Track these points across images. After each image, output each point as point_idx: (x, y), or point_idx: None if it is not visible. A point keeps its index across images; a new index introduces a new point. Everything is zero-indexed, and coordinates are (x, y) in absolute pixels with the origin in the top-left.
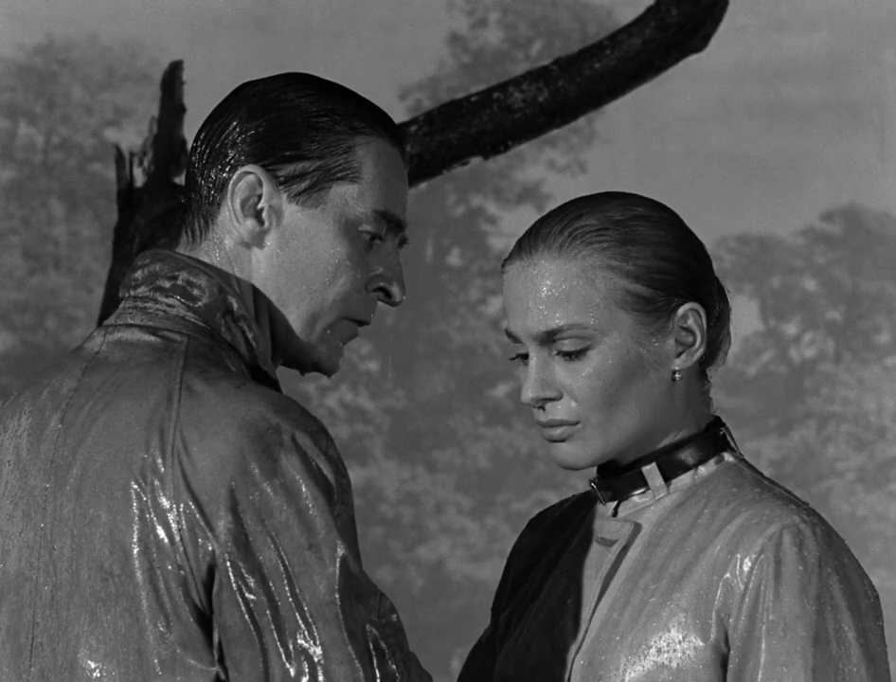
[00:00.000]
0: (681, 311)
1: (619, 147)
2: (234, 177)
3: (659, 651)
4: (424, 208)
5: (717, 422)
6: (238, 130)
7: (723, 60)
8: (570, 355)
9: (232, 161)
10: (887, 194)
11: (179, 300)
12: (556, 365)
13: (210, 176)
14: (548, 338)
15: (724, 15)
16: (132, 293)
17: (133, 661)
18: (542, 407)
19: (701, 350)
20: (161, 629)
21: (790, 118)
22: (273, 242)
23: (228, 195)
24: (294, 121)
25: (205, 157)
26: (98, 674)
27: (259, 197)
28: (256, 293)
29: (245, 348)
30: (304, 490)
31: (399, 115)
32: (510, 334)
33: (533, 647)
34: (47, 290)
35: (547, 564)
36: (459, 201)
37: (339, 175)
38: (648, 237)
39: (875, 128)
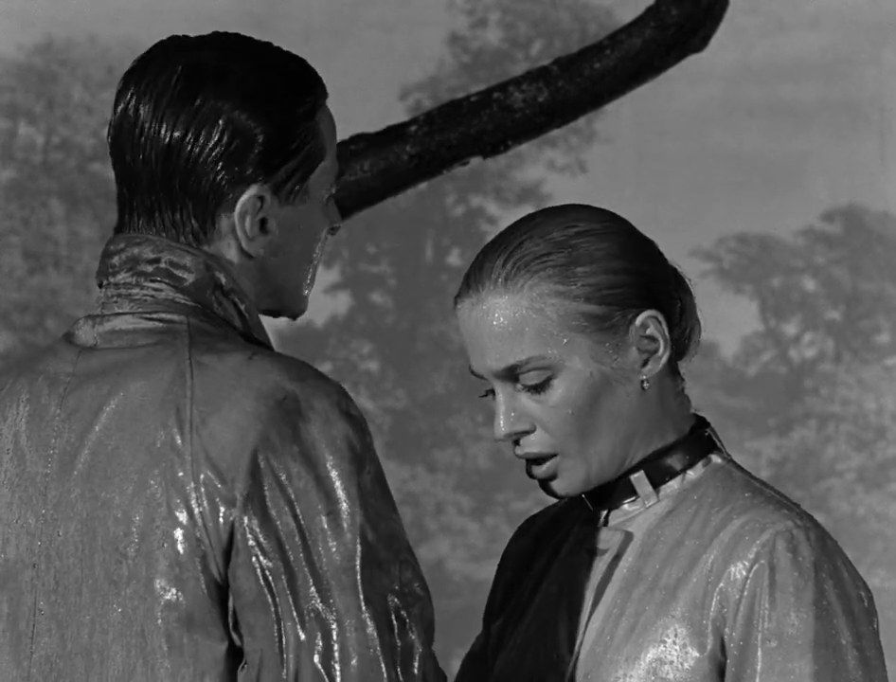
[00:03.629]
0: (639, 321)
1: (619, 147)
2: (242, 199)
3: (656, 662)
4: (424, 208)
5: (701, 423)
6: (221, 144)
7: (723, 60)
8: (535, 388)
9: (228, 181)
10: (886, 194)
11: (166, 283)
12: (523, 398)
13: (200, 182)
14: (510, 374)
15: (724, 15)
16: (111, 280)
17: (136, 643)
18: (517, 442)
19: (666, 355)
20: (169, 608)
21: (790, 119)
22: (273, 246)
23: (236, 215)
24: (277, 126)
25: (185, 166)
26: (111, 655)
27: (261, 210)
28: (246, 277)
29: (239, 320)
30: (324, 456)
31: (399, 114)
32: (473, 373)
33: (527, 658)
34: (47, 290)
35: (539, 572)
36: (459, 201)
37: (315, 161)
38: (593, 253)
39: (875, 128)
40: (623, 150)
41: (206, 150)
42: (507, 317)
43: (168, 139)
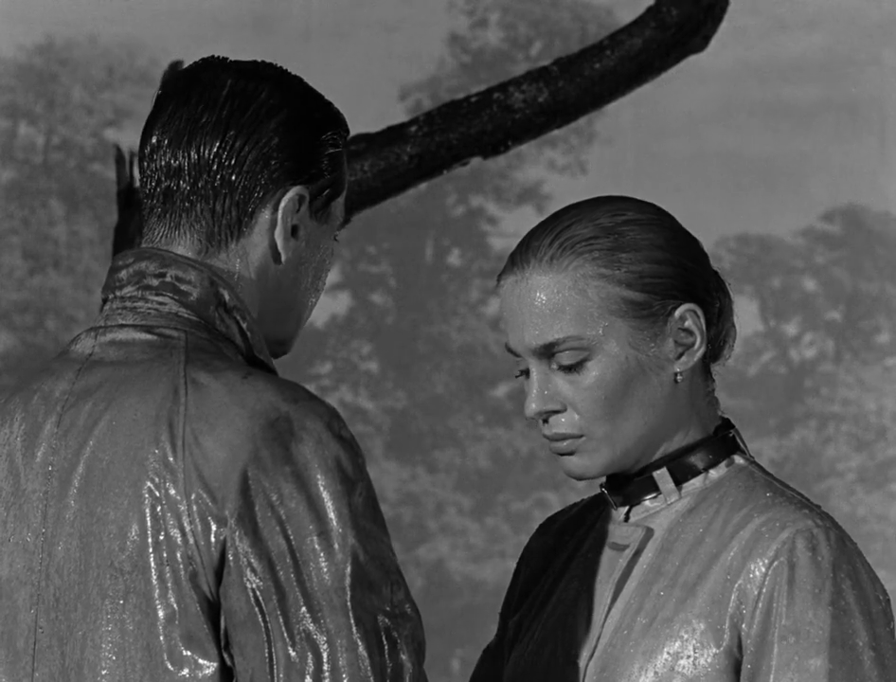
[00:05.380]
0: (678, 313)
1: (620, 147)
2: (289, 194)
3: (673, 657)
4: (424, 209)
5: (726, 425)
6: (273, 143)
7: (723, 60)
8: (570, 368)
9: (271, 178)
10: (886, 194)
11: (170, 297)
12: (557, 377)
13: (246, 175)
14: (546, 352)
15: (724, 16)
16: (117, 293)
17: (141, 658)
18: (546, 420)
19: (702, 350)
20: (169, 624)
21: (790, 119)
22: (296, 256)
23: (279, 214)
24: (317, 141)
25: (230, 160)
26: (106, 672)
27: (297, 214)
28: (257, 289)
29: (241, 338)
30: (316, 477)
31: (399, 115)
32: (510, 350)
33: (545, 652)
34: (47, 290)
35: (559, 568)
36: (459, 201)
37: (340, 188)
38: (638, 241)
39: (875, 128)
40: (623, 150)
41: (258, 146)
42: (549, 295)
43: (221, 135)
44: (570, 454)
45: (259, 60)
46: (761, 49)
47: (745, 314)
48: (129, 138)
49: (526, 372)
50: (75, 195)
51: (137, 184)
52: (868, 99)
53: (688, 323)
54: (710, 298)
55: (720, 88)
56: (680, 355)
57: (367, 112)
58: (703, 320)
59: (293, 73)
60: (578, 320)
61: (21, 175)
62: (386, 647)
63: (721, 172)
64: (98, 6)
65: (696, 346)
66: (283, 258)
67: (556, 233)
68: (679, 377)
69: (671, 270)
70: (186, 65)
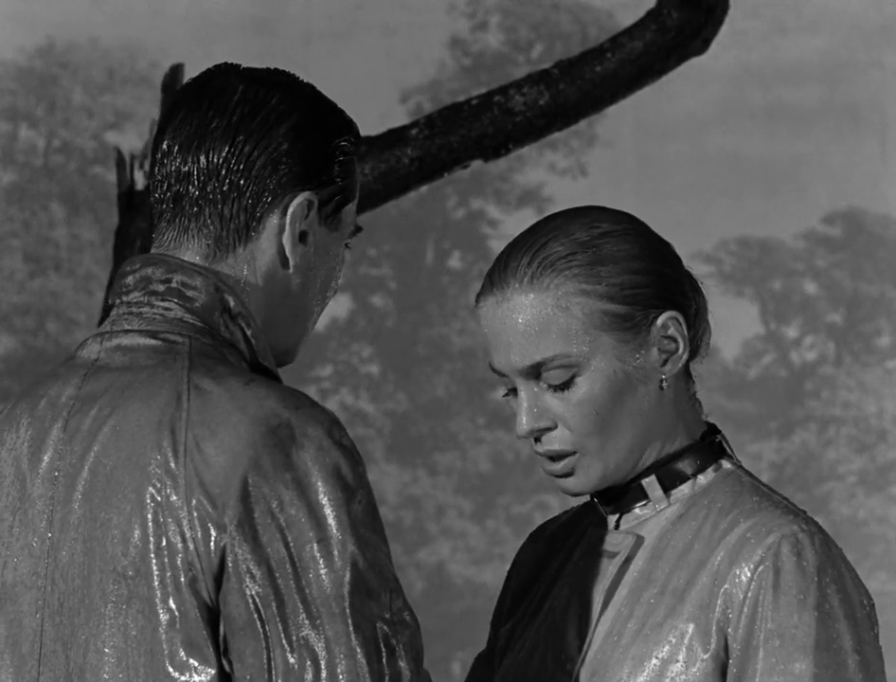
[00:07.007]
0: (660, 321)
1: (620, 150)
2: (297, 200)
3: (662, 662)
4: (425, 212)
5: (713, 430)
6: (282, 149)
7: (724, 63)
8: (558, 385)
9: (280, 183)
10: (888, 197)
11: (176, 303)
12: (545, 395)
13: (255, 179)
14: (534, 371)
15: (724, 18)
16: (124, 299)
17: (144, 663)
18: (538, 439)
19: (685, 356)
20: (171, 629)
21: (791, 121)
22: (304, 262)
23: (287, 220)
24: (327, 148)
25: (239, 165)
26: (108, 677)
27: (305, 220)
28: (263, 295)
29: (245, 345)
30: (316, 484)
31: (399, 118)
32: (494, 370)
33: (535, 659)
34: (48, 293)
35: (550, 576)
36: (460, 204)
37: (351, 195)
38: (615, 253)
39: (876, 131)
40: (624, 153)
41: (267, 151)
42: (533, 315)
43: (231, 140)
44: (566, 475)
45: (273, 67)
46: (762, 52)
47: (746, 317)
48: (129, 141)
49: (512, 391)
50: (76, 198)
51: (138, 187)
52: (868, 103)
53: (670, 330)
54: (687, 302)
55: (720, 91)
56: (664, 362)
57: (367, 115)
58: (684, 326)
59: (304, 80)
60: (564, 338)
61: (21, 178)
62: (385, 654)
63: (721, 175)
64: (98, 8)
65: (680, 352)
66: (291, 263)
67: (533, 251)
68: (664, 384)
69: (649, 279)
70: (186, 68)
